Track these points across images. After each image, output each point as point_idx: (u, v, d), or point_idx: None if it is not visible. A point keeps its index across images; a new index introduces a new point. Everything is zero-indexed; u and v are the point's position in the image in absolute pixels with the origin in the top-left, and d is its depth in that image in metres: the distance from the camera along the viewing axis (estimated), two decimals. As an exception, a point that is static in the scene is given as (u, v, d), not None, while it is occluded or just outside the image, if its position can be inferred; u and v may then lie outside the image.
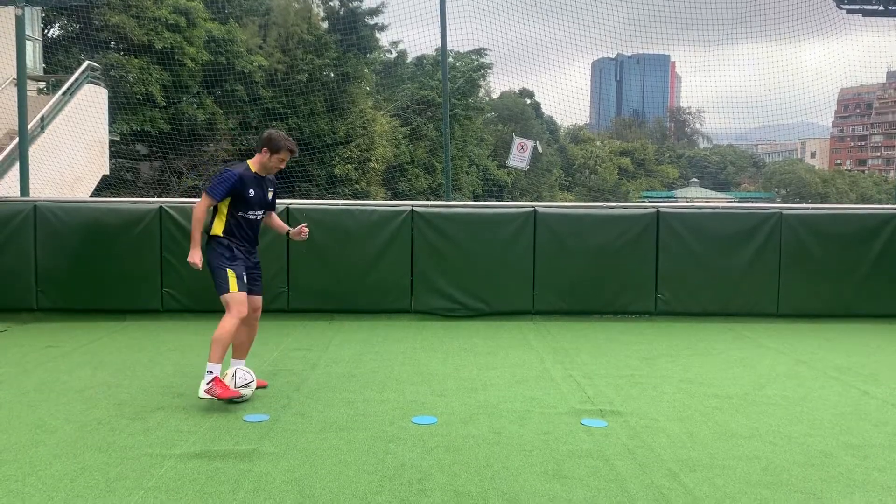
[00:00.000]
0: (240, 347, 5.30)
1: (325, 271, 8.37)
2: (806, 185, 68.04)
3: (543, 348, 7.03)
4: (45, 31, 21.24)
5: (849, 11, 10.85)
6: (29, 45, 15.04)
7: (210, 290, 5.25)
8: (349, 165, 26.53)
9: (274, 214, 5.51)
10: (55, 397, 5.12)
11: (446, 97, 10.94)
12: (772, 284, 8.63)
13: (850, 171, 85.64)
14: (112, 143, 18.06)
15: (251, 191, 5.07)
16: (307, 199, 19.00)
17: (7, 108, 12.19)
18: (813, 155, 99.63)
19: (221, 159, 24.12)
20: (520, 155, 11.84)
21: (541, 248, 8.53)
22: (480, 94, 36.41)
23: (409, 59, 33.11)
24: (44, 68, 17.93)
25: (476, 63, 33.44)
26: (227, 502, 3.41)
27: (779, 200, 63.00)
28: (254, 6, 25.94)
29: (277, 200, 5.69)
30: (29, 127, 10.30)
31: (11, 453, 4.01)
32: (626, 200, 47.26)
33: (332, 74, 26.50)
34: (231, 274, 4.99)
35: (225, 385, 4.86)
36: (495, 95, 43.94)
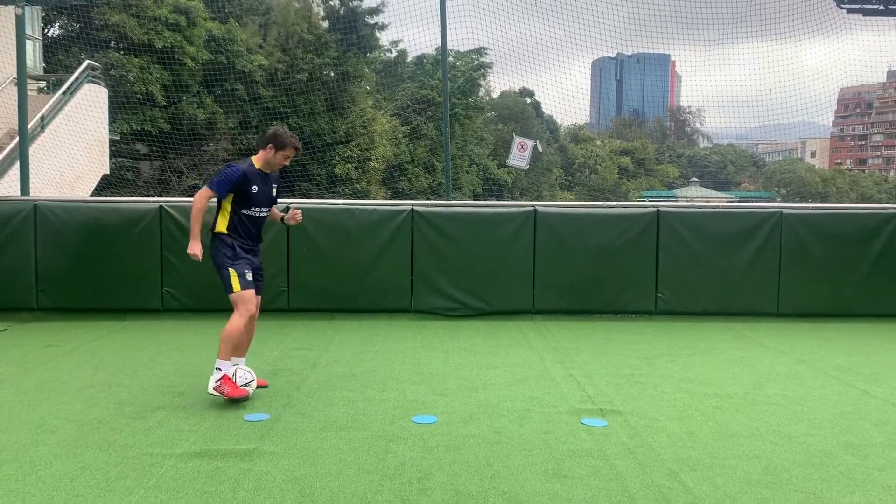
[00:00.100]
0: (239, 346, 5.30)
1: (326, 271, 8.37)
2: (806, 185, 68.06)
3: (544, 348, 7.03)
4: (46, 30, 21.24)
5: (849, 11, 10.83)
6: (29, 44, 15.04)
7: (210, 289, 5.26)
8: (349, 165, 26.53)
9: (274, 208, 5.52)
10: (55, 397, 5.13)
11: (446, 96, 10.94)
12: (772, 284, 8.63)
13: (850, 170, 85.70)
14: (112, 143, 18.06)
15: (255, 187, 5.07)
16: (307, 198, 19.03)
17: (7, 107, 12.18)
18: (813, 154, 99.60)
19: (221, 159, 24.12)
20: (520, 154, 11.83)
21: (541, 248, 8.53)
22: (480, 94, 36.40)
23: (409, 59, 33.11)
24: (44, 67, 17.92)
25: (476, 62, 33.42)
26: (227, 501, 3.41)
27: (779, 200, 63.01)
28: (254, 5, 25.95)
29: (278, 200, 5.69)
30: (29, 126, 10.29)
31: (12, 453, 4.01)
32: (626, 200, 47.21)
33: (333, 74, 26.51)
34: (233, 273, 4.99)
35: (234, 384, 4.87)
36: (495, 95, 43.98)
